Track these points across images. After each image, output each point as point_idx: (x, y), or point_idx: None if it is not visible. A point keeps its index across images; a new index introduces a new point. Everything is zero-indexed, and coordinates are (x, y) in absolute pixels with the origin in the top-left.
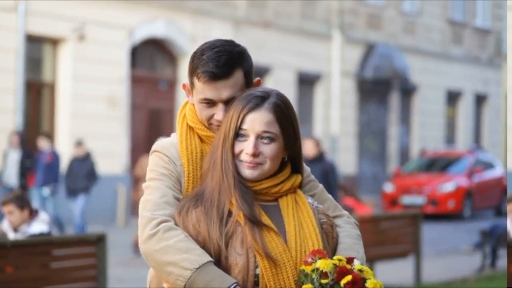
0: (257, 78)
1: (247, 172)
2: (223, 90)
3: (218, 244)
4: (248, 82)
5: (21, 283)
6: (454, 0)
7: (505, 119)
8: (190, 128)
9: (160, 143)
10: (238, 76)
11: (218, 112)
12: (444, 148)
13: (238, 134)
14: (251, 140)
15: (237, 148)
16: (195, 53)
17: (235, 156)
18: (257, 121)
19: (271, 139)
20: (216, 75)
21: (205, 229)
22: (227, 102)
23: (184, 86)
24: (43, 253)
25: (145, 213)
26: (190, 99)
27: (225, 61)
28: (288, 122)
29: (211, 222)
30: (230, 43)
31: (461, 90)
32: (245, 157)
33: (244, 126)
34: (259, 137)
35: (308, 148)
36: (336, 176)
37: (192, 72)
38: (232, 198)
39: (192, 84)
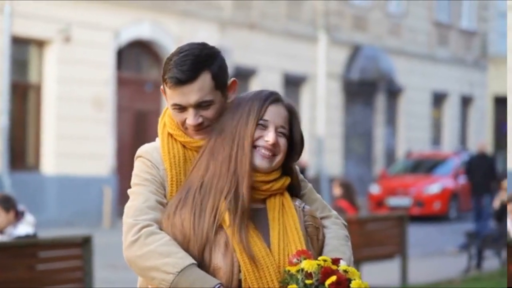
0: (232, 79)
1: (262, 162)
2: (190, 94)
3: (207, 234)
4: (219, 84)
5: (7, 284)
6: (439, 1)
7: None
8: (171, 135)
9: (144, 148)
10: (204, 79)
11: (189, 117)
12: (430, 150)
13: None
14: (271, 130)
15: (256, 134)
16: (167, 58)
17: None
18: (278, 114)
19: (284, 135)
20: (180, 80)
21: (190, 224)
22: (198, 106)
23: (162, 90)
24: (29, 255)
25: (128, 219)
26: (167, 103)
27: (190, 66)
28: (297, 125)
29: (203, 213)
30: (201, 46)
31: (447, 92)
32: (263, 143)
33: (266, 117)
34: (277, 129)
35: None
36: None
37: (163, 77)
38: (221, 203)
39: (164, 89)
